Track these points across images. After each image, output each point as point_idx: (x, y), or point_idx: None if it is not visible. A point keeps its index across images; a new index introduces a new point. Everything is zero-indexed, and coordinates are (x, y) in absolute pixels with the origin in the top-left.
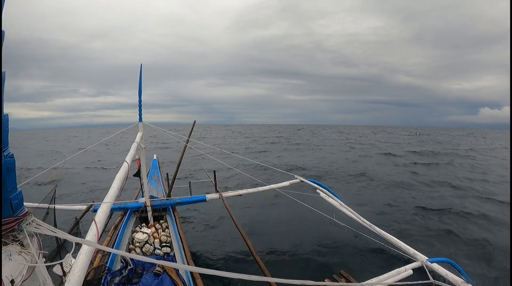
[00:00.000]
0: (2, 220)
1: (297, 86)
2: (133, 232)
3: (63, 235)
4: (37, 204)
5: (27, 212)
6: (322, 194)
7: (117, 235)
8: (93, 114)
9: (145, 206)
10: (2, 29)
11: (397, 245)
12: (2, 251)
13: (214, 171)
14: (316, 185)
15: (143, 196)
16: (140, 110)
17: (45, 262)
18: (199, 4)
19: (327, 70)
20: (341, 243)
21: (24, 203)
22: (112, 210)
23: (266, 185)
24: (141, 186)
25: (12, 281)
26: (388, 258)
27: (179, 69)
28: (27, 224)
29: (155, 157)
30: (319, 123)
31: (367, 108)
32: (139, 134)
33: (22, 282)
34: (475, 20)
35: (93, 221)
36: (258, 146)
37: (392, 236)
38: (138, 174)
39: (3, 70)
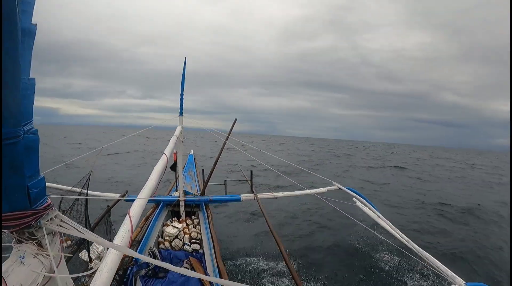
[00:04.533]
0: (17, 213)
1: (342, 100)
2: (163, 225)
3: (93, 237)
4: (70, 187)
5: (49, 204)
6: (358, 204)
7: (148, 226)
8: (138, 116)
9: (178, 201)
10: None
11: (435, 265)
12: (15, 251)
13: (251, 171)
14: (353, 194)
15: (177, 190)
16: (181, 103)
17: (70, 258)
18: (245, 15)
19: (372, 85)
20: (376, 257)
21: (56, 185)
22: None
23: (303, 189)
24: (176, 180)
25: None
26: (425, 278)
27: (223, 77)
28: (48, 220)
29: (191, 152)
30: (361, 140)
31: (411, 126)
32: (178, 128)
33: None
34: None
35: (128, 215)
36: None
37: (430, 255)
38: (174, 167)
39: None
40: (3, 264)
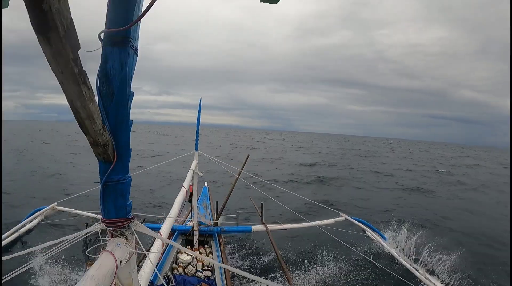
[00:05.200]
0: (120, 219)
1: (358, 96)
2: (178, 252)
3: (157, 235)
4: (95, 215)
5: (133, 216)
6: (368, 233)
7: (163, 253)
8: (154, 112)
9: (193, 230)
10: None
11: None
12: (111, 241)
13: (262, 204)
14: (361, 225)
15: (191, 220)
16: (196, 141)
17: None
18: (260, 12)
19: (389, 81)
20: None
21: (75, 211)
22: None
23: (311, 221)
24: (191, 210)
25: (121, 261)
26: None
27: (240, 74)
28: (133, 224)
29: (206, 185)
30: (377, 136)
31: (428, 123)
32: (194, 162)
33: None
34: None
35: (158, 232)
36: None
37: (434, 279)
38: (189, 199)
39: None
40: (108, 245)
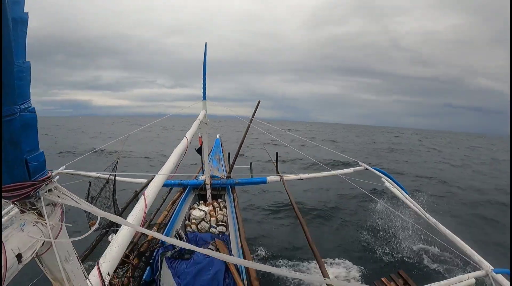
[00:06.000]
0: (16, 184)
1: (372, 86)
2: (190, 208)
3: (89, 207)
4: (98, 174)
5: (49, 177)
6: (386, 184)
7: (175, 210)
8: (168, 105)
9: (205, 184)
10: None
11: (462, 249)
12: (17, 219)
13: (276, 153)
14: (381, 174)
15: (203, 174)
16: (204, 88)
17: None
18: (274, 1)
19: (404, 70)
20: (402, 239)
21: (84, 173)
22: (172, 186)
23: (329, 171)
24: (202, 164)
25: (19, 255)
26: (450, 262)
27: (253, 65)
28: (46, 191)
29: (218, 136)
30: (392, 126)
31: (444, 112)
32: (202, 112)
33: (40, 255)
34: None
35: (143, 195)
36: None
37: (457, 238)
38: (199, 151)
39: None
40: (5, 230)
